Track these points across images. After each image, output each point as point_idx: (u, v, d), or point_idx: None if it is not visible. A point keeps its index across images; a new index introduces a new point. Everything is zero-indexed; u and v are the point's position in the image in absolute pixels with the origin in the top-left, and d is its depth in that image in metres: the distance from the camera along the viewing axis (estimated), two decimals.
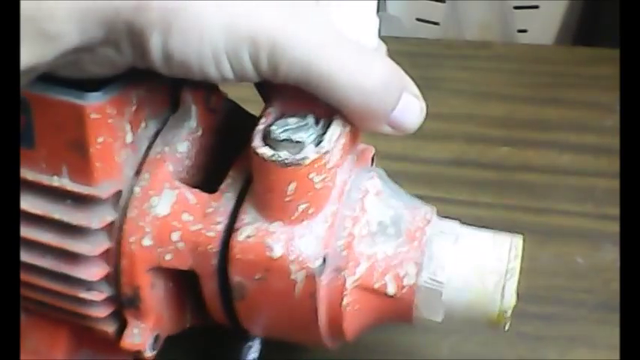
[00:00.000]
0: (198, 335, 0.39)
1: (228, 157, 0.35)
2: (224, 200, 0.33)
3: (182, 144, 0.34)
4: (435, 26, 1.08)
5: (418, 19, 1.08)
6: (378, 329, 0.42)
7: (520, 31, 1.07)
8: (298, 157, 0.30)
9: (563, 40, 1.06)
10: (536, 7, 1.07)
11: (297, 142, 0.30)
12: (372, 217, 0.33)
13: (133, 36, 0.29)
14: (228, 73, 0.30)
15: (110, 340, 0.36)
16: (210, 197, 0.33)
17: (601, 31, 1.00)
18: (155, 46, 0.29)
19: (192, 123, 0.34)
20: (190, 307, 0.37)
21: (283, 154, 0.30)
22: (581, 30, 1.07)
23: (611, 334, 0.41)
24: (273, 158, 0.30)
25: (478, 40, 0.97)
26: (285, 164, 0.30)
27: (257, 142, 0.31)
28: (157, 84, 0.34)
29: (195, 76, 0.30)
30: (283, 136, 0.30)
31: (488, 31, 1.06)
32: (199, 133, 0.35)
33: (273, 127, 0.31)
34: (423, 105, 0.33)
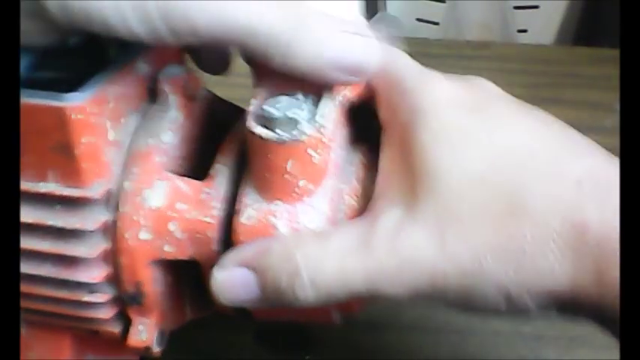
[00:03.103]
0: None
1: (211, 144, 0.35)
2: (216, 185, 0.33)
3: (165, 134, 0.34)
4: (435, 26, 1.08)
5: (418, 19, 1.09)
6: (378, 329, 0.42)
7: (520, 31, 1.07)
8: (295, 133, 0.30)
9: (563, 40, 1.06)
10: (536, 7, 1.07)
11: (292, 118, 0.30)
12: (368, 189, 0.33)
13: None
14: (139, 31, 0.29)
15: (115, 343, 0.36)
16: (202, 184, 0.33)
17: (601, 31, 1.00)
18: None
19: (173, 113, 0.34)
20: (189, 301, 0.37)
21: (279, 132, 0.30)
22: (581, 30, 1.08)
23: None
24: (270, 136, 0.30)
25: (478, 40, 0.97)
26: (282, 141, 0.30)
27: (252, 123, 0.31)
28: (131, 78, 0.34)
29: (99, 27, 0.29)
30: (277, 114, 0.30)
31: (488, 31, 1.06)
32: (181, 122, 0.35)
33: (266, 107, 0.31)
34: (368, 41, 0.31)
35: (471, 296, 0.30)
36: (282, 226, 0.31)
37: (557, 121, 0.32)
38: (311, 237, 0.31)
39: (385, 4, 1.08)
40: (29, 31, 0.30)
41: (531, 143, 0.31)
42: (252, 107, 0.31)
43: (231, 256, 0.31)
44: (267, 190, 0.32)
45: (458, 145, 0.30)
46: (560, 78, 0.69)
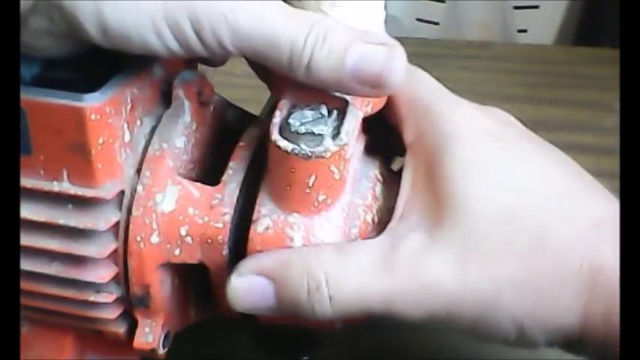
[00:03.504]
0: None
1: (222, 150, 0.35)
2: (228, 191, 0.33)
3: (179, 139, 0.34)
4: (435, 26, 1.08)
5: (418, 19, 1.08)
6: (378, 328, 0.42)
7: (520, 31, 1.07)
8: (320, 149, 0.30)
9: (563, 40, 1.06)
10: (536, 7, 1.07)
11: (318, 135, 0.31)
12: (382, 204, 0.34)
13: (63, 3, 0.29)
14: (172, 44, 0.30)
15: (117, 343, 0.36)
16: (214, 189, 0.33)
17: (601, 31, 1.00)
18: (87, 15, 0.29)
19: (187, 118, 0.34)
20: (194, 303, 0.37)
21: (305, 147, 0.30)
22: (581, 30, 1.07)
23: None
24: (296, 152, 0.30)
25: (478, 40, 0.97)
26: (307, 157, 0.30)
27: (276, 136, 0.31)
28: (147, 81, 0.34)
29: (137, 47, 0.30)
30: (303, 129, 0.31)
31: (488, 31, 1.06)
32: (194, 127, 0.35)
33: (291, 121, 0.31)
34: (392, 51, 0.30)
35: (484, 326, 0.31)
36: (298, 238, 0.32)
37: (574, 162, 0.34)
38: (331, 252, 0.31)
39: (385, 4, 1.08)
40: (57, 47, 0.31)
41: (556, 183, 0.32)
42: (275, 119, 0.31)
43: (250, 264, 0.32)
44: (286, 201, 0.32)
45: (485, 177, 0.31)
46: (560, 78, 0.69)
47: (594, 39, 1.01)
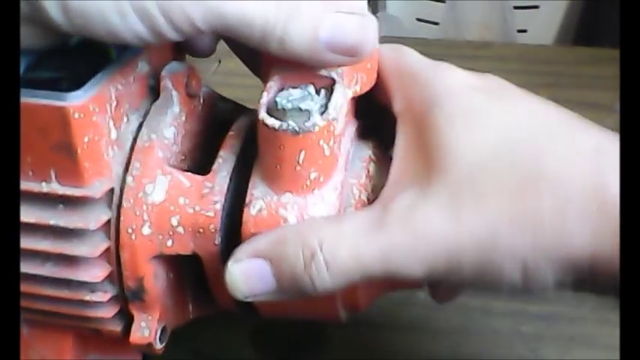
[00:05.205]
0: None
1: (212, 141, 0.35)
2: (218, 180, 0.33)
3: (168, 130, 0.34)
4: (435, 26, 1.08)
5: (418, 19, 1.08)
6: (378, 329, 0.42)
7: (520, 31, 1.07)
8: (308, 124, 0.30)
9: (563, 40, 1.06)
10: (536, 7, 1.07)
11: (304, 110, 0.31)
12: (377, 183, 0.34)
13: None
14: (138, 27, 0.29)
15: (117, 342, 0.36)
16: (204, 178, 0.33)
17: (601, 31, 1.00)
18: None
19: (176, 108, 0.34)
20: (192, 299, 0.37)
21: (292, 123, 0.30)
22: (581, 30, 1.07)
23: (611, 334, 0.41)
24: (284, 127, 0.30)
25: (478, 40, 0.97)
26: (295, 132, 0.30)
27: (264, 114, 0.31)
28: (132, 76, 0.34)
29: (102, 32, 0.30)
30: (290, 105, 0.31)
31: (488, 31, 1.06)
32: (183, 118, 0.35)
33: (278, 99, 0.31)
34: (363, 19, 0.31)
35: (486, 270, 0.29)
36: (292, 218, 0.32)
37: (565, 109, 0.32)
38: (324, 222, 0.31)
39: (385, 4, 1.08)
40: (27, 36, 0.30)
41: (545, 118, 0.31)
42: (263, 99, 0.32)
43: (245, 248, 0.31)
44: (278, 181, 0.32)
45: (472, 124, 0.31)
46: (560, 78, 0.69)
47: (594, 39, 1.01)
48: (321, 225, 0.31)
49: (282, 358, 0.45)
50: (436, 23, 1.08)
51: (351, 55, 0.31)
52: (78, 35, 0.30)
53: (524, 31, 1.07)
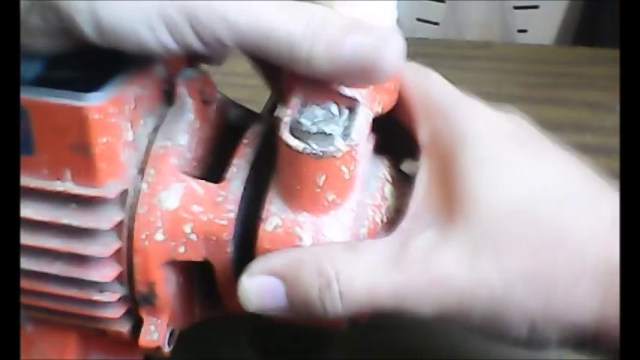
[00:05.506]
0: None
1: (224, 147, 0.35)
2: (232, 188, 0.33)
3: (183, 137, 0.34)
4: (435, 26, 1.08)
5: (418, 19, 1.09)
6: (378, 328, 0.42)
7: (520, 31, 1.07)
8: (331, 149, 0.30)
9: (563, 40, 1.06)
10: (536, 7, 1.07)
11: (329, 134, 0.31)
12: (391, 204, 0.34)
13: (58, 3, 0.29)
14: (168, 41, 0.30)
15: (121, 342, 0.36)
16: (218, 187, 0.33)
17: (601, 31, 1.01)
18: (82, 13, 0.29)
19: (190, 115, 0.34)
20: (198, 301, 0.37)
21: (315, 147, 0.30)
22: (581, 30, 1.08)
23: None
24: (307, 151, 0.30)
25: (478, 40, 0.97)
26: (318, 156, 0.30)
27: (287, 135, 0.31)
28: (149, 80, 0.34)
29: (132, 45, 0.30)
30: (314, 128, 0.31)
31: (489, 31, 1.06)
32: (197, 125, 0.35)
33: (302, 120, 0.31)
34: (385, 40, 0.30)
35: (496, 322, 0.30)
36: (307, 237, 0.32)
37: (587, 164, 0.33)
38: (341, 250, 0.31)
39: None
40: (54, 45, 0.31)
41: (570, 180, 0.32)
42: (286, 118, 0.31)
43: (260, 265, 0.32)
44: (295, 201, 0.32)
45: (500, 174, 0.31)
46: (560, 78, 0.69)
47: (594, 39, 1.01)
48: (338, 253, 0.31)
49: (282, 358, 0.45)
50: (436, 23, 1.08)
51: (372, 74, 0.31)
52: (108, 47, 0.30)
53: (524, 31, 1.07)
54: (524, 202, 0.30)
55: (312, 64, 0.30)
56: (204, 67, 0.37)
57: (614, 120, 0.60)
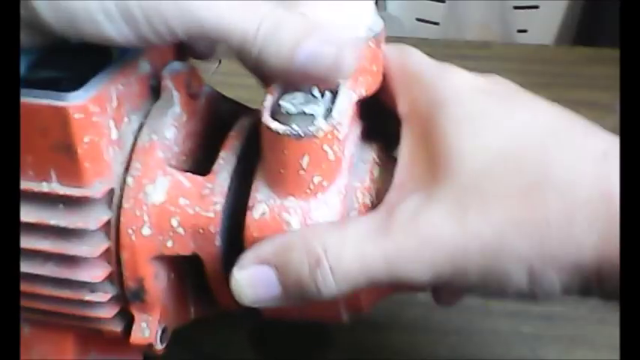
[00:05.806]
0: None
1: (213, 141, 0.35)
2: (219, 180, 0.33)
3: (169, 130, 0.34)
4: (435, 26, 1.08)
5: (418, 19, 1.09)
6: (378, 329, 0.42)
7: (520, 31, 1.07)
8: (312, 128, 0.30)
9: (563, 40, 1.06)
10: (536, 7, 1.07)
11: (309, 114, 0.31)
12: (381, 187, 0.34)
13: None
14: (125, 31, 0.30)
15: (118, 342, 0.36)
16: (204, 179, 0.33)
17: (601, 31, 1.01)
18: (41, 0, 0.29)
19: (177, 109, 0.34)
20: (193, 299, 0.37)
21: (296, 127, 0.30)
22: (581, 30, 1.08)
23: (611, 334, 0.41)
24: (288, 132, 0.30)
25: (478, 40, 0.97)
26: (299, 137, 0.30)
27: (268, 118, 0.31)
28: (133, 77, 0.34)
29: (90, 32, 0.30)
30: (294, 109, 0.31)
31: (488, 31, 1.06)
32: (184, 118, 0.35)
33: (282, 102, 0.31)
34: (340, 50, 0.31)
35: (493, 274, 0.29)
36: (295, 222, 0.31)
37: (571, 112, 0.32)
38: (328, 227, 0.31)
39: (385, 4, 1.08)
40: (24, 37, 0.31)
41: (552, 121, 0.31)
42: (267, 102, 0.31)
43: (250, 255, 0.31)
44: (281, 185, 0.32)
45: (478, 127, 0.30)
46: (560, 78, 0.69)
47: (594, 39, 1.01)
48: (325, 231, 0.31)
49: (282, 358, 0.45)
50: (436, 23, 1.08)
51: (322, 82, 0.31)
52: (70, 37, 0.30)
53: (524, 31, 1.07)
54: (505, 149, 0.30)
55: (262, 65, 0.30)
56: (195, 62, 0.37)
57: (614, 120, 0.60)
